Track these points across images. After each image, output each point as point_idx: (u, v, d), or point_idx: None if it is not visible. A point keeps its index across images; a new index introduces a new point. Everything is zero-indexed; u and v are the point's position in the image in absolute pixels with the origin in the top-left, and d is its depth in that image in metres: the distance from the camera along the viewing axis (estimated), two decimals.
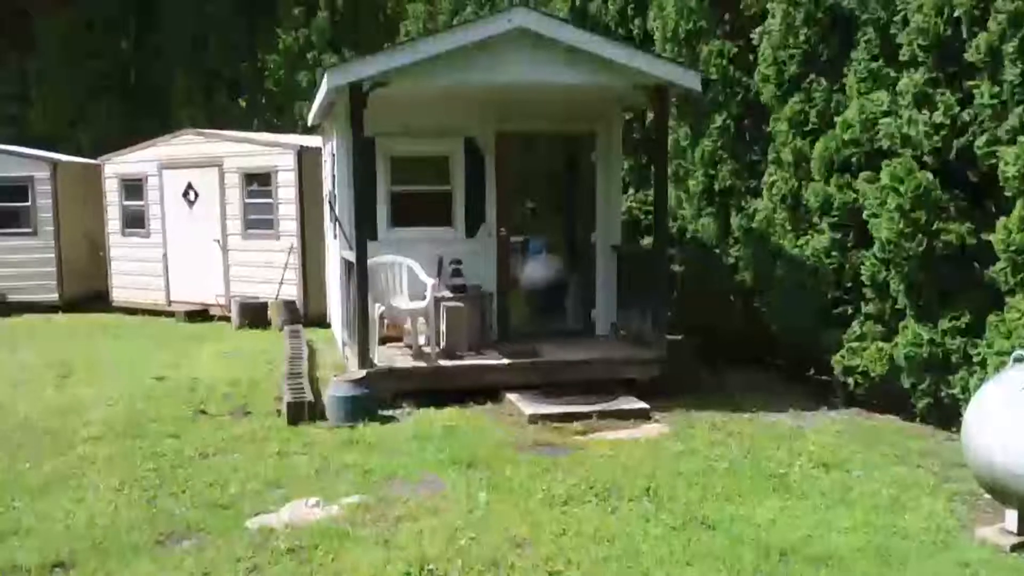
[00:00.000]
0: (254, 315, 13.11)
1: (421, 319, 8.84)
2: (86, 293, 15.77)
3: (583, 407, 7.77)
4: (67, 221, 15.49)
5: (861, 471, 6.32)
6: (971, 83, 6.84)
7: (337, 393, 7.61)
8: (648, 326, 8.80)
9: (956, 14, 6.84)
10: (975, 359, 6.89)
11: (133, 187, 15.02)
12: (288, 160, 13.10)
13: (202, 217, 14.15)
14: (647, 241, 10.66)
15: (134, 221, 15.10)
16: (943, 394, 7.22)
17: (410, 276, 9.01)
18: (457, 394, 8.11)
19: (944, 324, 7.13)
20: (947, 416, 7.28)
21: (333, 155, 10.04)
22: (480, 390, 8.22)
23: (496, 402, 8.15)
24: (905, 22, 7.30)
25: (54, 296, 15.33)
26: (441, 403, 7.96)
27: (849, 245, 8.04)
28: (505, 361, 8.52)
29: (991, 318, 6.73)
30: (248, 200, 13.63)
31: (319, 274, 12.89)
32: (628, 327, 9.51)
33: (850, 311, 8.16)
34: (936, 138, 7.01)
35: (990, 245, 6.69)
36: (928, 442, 7.11)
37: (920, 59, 7.17)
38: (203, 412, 8.01)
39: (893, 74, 7.53)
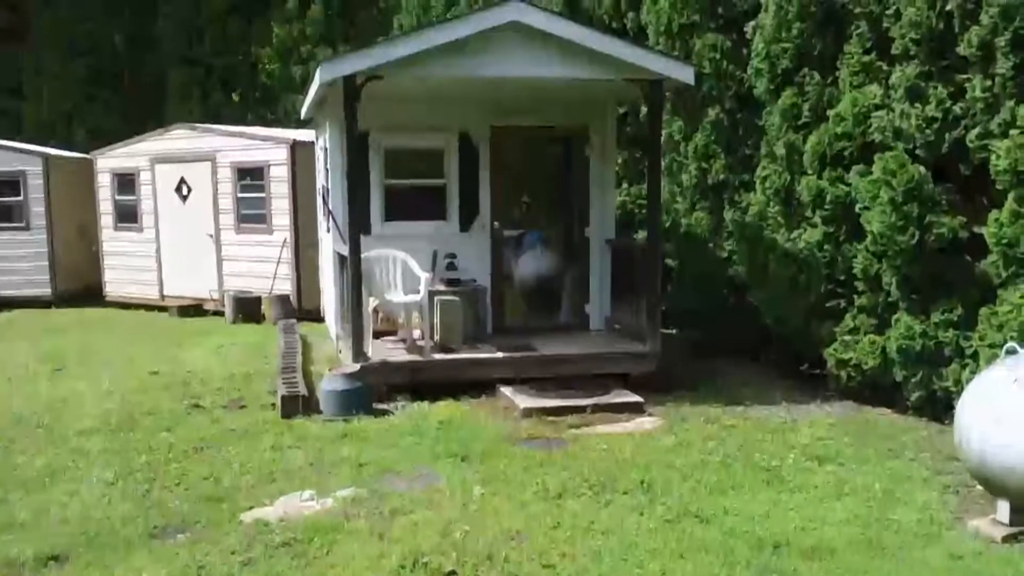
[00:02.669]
0: (248, 309, 13.10)
1: (415, 313, 8.83)
2: (79, 288, 15.72)
3: (577, 401, 7.79)
4: (60, 216, 15.44)
5: (854, 464, 6.35)
6: (963, 77, 6.87)
7: (331, 387, 7.62)
8: (642, 320, 8.81)
9: (948, 7, 6.86)
10: (967, 352, 6.93)
11: (126, 182, 14.95)
12: (281, 154, 13.07)
13: (195, 212, 14.10)
14: (641, 235, 10.67)
15: (127, 216, 15.03)
16: (935, 387, 7.26)
17: (404, 270, 9.01)
18: (451, 388, 8.13)
19: (936, 317, 7.16)
20: (940, 408, 7.31)
21: (326, 149, 10.01)
22: (474, 384, 8.23)
23: (490, 396, 8.16)
24: (898, 16, 7.32)
25: (47, 291, 15.28)
26: (435, 397, 7.99)
27: (842, 238, 8.06)
28: (499, 355, 8.53)
29: (983, 311, 6.76)
30: (241, 194, 13.59)
31: (313, 268, 12.87)
32: (622, 321, 9.53)
33: (843, 304, 8.18)
34: (928, 132, 7.03)
35: (982, 238, 6.73)
36: (921, 434, 7.15)
37: (912, 53, 7.19)
38: (197, 406, 8.01)
39: (886, 68, 7.55)
